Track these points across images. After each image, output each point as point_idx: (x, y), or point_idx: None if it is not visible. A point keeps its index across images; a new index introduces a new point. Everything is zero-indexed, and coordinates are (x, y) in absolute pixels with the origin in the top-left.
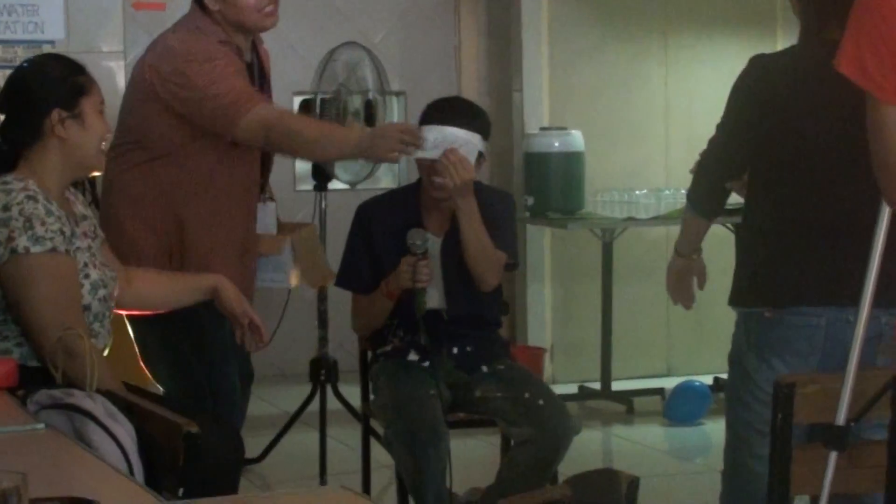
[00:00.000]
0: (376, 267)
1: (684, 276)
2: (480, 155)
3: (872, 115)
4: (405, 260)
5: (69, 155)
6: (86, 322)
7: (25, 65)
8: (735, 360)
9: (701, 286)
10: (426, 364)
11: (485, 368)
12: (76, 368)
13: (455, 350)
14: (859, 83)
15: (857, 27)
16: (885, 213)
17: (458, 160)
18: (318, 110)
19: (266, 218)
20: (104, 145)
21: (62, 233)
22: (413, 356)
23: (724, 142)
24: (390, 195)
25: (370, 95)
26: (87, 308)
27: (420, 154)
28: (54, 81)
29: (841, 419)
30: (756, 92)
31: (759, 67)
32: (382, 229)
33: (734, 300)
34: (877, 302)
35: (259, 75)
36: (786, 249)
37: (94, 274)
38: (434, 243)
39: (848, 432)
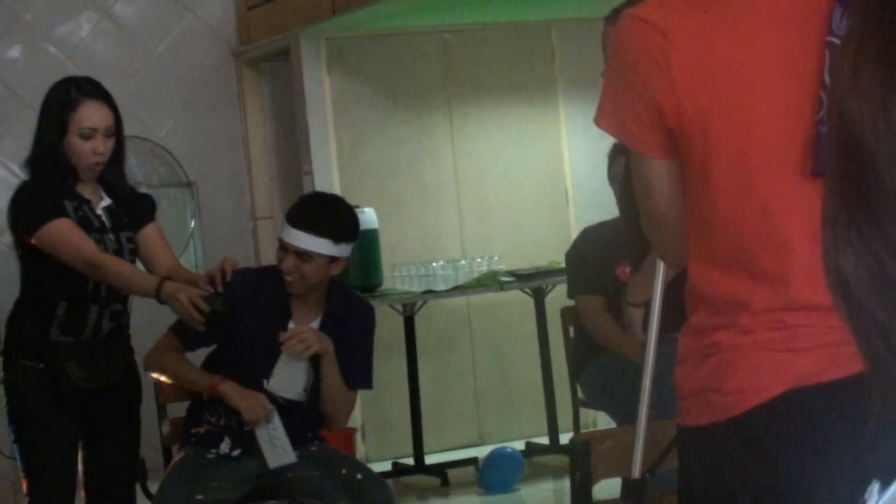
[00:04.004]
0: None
1: None
2: (332, 259)
3: (637, 171)
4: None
5: None
6: None
7: None
8: None
9: None
10: (237, 453)
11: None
12: None
13: None
14: (620, 139)
15: (611, 83)
16: (661, 265)
17: (296, 344)
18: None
19: None
20: None
21: None
22: (225, 445)
23: None
24: (261, 271)
25: (140, 188)
26: None
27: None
28: None
29: (636, 472)
30: None
31: None
32: (247, 303)
33: None
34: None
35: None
36: None
37: None
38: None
39: (643, 485)
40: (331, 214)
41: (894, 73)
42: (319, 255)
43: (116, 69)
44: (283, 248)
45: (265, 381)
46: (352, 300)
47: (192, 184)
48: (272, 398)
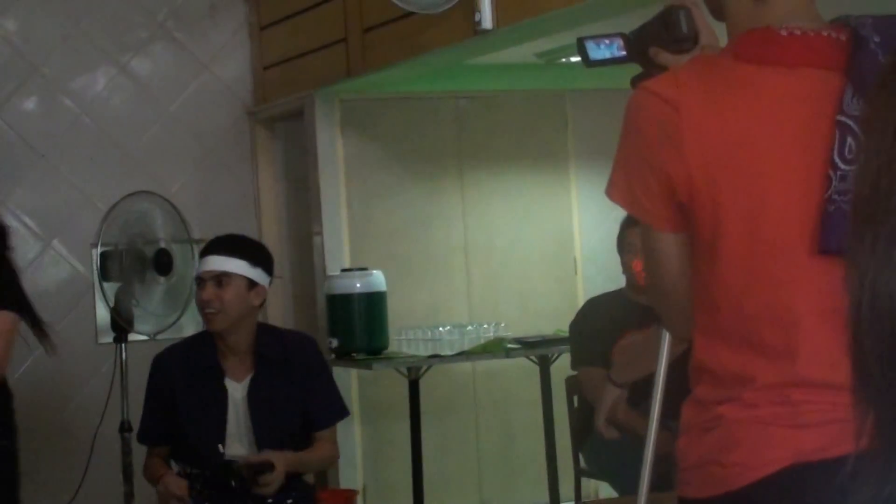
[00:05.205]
0: (173, 418)
1: None
2: (252, 283)
3: (646, 243)
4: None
5: None
6: None
7: None
8: None
9: None
10: None
11: None
12: None
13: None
14: (630, 211)
15: (623, 155)
16: (666, 336)
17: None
18: (122, 262)
19: None
20: None
21: None
22: None
23: None
24: (186, 343)
25: (161, 244)
26: None
27: None
28: None
29: None
30: None
31: None
32: (180, 379)
33: None
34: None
35: None
36: None
37: None
38: (236, 389)
39: None
40: (244, 240)
41: None
42: (238, 276)
43: (131, 124)
44: (201, 283)
45: (220, 446)
46: (285, 338)
47: (199, 241)
48: (232, 465)
